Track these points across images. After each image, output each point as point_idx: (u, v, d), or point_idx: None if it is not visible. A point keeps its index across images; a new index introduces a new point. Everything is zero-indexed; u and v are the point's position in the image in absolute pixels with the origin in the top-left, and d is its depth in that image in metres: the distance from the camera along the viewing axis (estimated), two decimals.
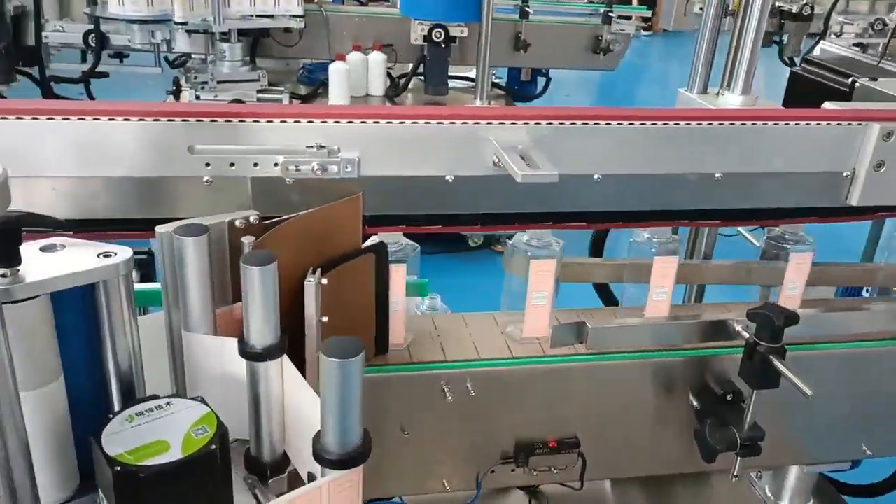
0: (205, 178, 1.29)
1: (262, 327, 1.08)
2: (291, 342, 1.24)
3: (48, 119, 1.20)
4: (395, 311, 1.45)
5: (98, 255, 1.00)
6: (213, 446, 0.99)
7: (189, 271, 1.11)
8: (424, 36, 4.07)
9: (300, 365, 1.25)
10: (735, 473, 1.51)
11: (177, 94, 4.01)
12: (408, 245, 1.46)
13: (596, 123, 1.40)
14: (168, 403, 1.07)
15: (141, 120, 1.25)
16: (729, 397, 1.55)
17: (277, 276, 1.06)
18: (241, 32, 3.99)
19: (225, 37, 3.93)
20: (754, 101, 1.61)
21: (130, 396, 1.11)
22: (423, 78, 4.27)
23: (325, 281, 1.23)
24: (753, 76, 1.61)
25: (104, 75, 4.29)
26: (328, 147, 1.31)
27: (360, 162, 1.33)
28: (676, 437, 1.62)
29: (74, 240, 1.02)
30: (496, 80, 4.91)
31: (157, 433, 1.01)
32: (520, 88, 4.88)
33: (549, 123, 1.39)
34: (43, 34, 4.04)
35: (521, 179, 1.24)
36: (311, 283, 1.20)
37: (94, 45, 4.00)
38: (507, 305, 1.64)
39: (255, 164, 1.30)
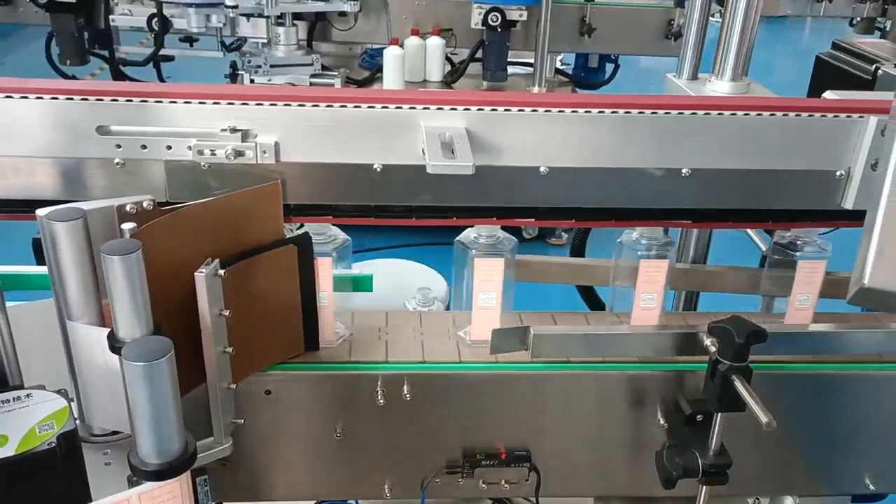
0: (116, 161, 1.24)
1: (130, 321, 1.02)
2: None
3: None
4: (322, 306, 1.37)
5: None
6: (51, 444, 0.94)
7: (64, 258, 1.06)
8: (483, 20, 3.96)
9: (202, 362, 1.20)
10: None
11: (233, 77, 4.05)
12: (339, 237, 1.37)
13: (546, 111, 1.28)
14: (28, 395, 1.03)
15: (53, 98, 1.21)
16: (699, 418, 1.40)
17: (143, 265, 1.00)
18: (297, 16, 3.98)
19: (280, 20, 3.93)
20: (746, 87, 1.44)
21: (4, 385, 1.08)
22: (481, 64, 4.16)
23: (222, 272, 1.16)
24: (747, 61, 1.44)
25: (170, 59, 4.38)
26: (243, 130, 1.24)
27: (278, 147, 1.25)
28: (644, 457, 1.47)
29: None
30: (561, 67, 4.74)
31: (2, 427, 0.97)
32: (586, 75, 4.69)
33: (493, 110, 1.27)
34: (111, 17, 4.15)
35: (431, 170, 1.14)
36: (201, 275, 1.13)
37: (156, 28, 4.07)
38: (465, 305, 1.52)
39: (169, 147, 1.24)
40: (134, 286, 1.00)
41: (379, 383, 1.38)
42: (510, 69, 4.18)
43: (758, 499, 1.75)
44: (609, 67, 4.69)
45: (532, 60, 4.25)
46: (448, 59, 4.28)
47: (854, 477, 1.53)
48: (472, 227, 1.40)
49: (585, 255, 1.84)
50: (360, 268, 2.12)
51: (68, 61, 4.27)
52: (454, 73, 4.26)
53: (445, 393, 1.42)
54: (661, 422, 1.43)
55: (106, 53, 4.30)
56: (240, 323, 1.23)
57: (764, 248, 1.74)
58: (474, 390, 1.42)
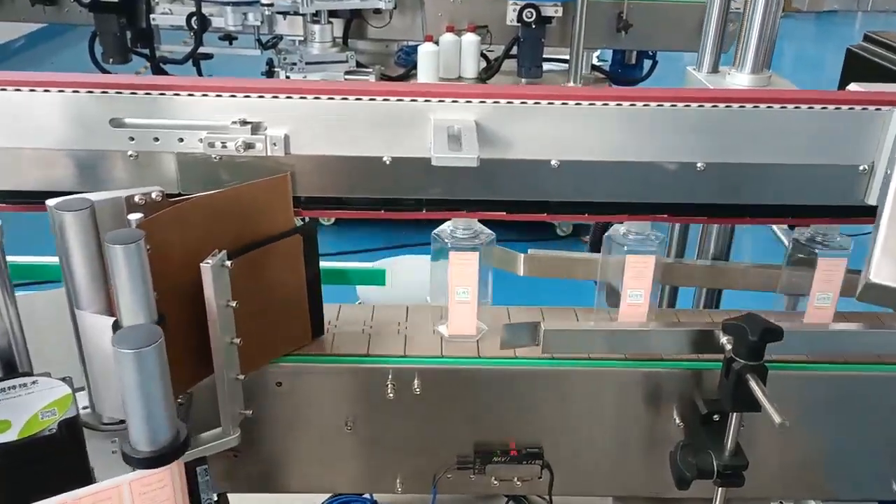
0: (129, 153, 1.26)
1: (133, 310, 1.03)
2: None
3: None
4: (466, 301, 1.37)
5: None
6: (52, 430, 0.95)
7: (72, 247, 1.08)
8: (518, 16, 3.94)
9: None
10: None
11: (269, 74, 4.08)
12: (484, 231, 1.36)
13: (558, 104, 1.26)
14: (34, 382, 1.04)
15: (60, 91, 1.23)
16: (715, 418, 1.37)
17: (145, 255, 1.01)
18: (333, 14, 3.99)
19: (315, 18, 3.95)
20: (767, 80, 1.40)
21: (12, 371, 1.10)
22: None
23: (228, 263, 1.17)
24: (768, 53, 1.40)
25: (208, 57, 4.43)
26: (253, 123, 1.24)
27: (288, 139, 1.26)
28: (661, 457, 1.44)
29: None
30: (598, 63, 4.68)
31: (6, 412, 0.98)
32: (623, 72, 4.62)
33: (503, 102, 1.26)
34: (152, 16, 4.21)
35: (436, 162, 1.13)
36: (207, 266, 1.14)
37: (195, 26, 4.12)
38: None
39: (181, 140, 1.25)
40: (136, 276, 1.00)
41: (390, 377, 1.37)
42: (546, 66, 4.15)
43: (781, 502, 1.71)
44: (647, 64, 4.63)
45: (567, 57, 4.20)
46: (483, 55, 4.26)
47: (880, 482, 1.48)
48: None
49: None
50: (393, 263, 2.12)
51: (111, 60, 4.35)
52: (489, 70, 4.23)
53: (457, 388, 1.41)
54: (678, 421, 1.40)
55: (148, 52, 4.38)
56: (248, 314, 1.24)
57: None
58: (487, 385, 1.41)
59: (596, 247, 1.75)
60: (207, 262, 1.14)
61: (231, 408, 1.25)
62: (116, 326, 1.04)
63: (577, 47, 3.96)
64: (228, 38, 4.60)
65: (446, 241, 1.35)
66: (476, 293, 1.35)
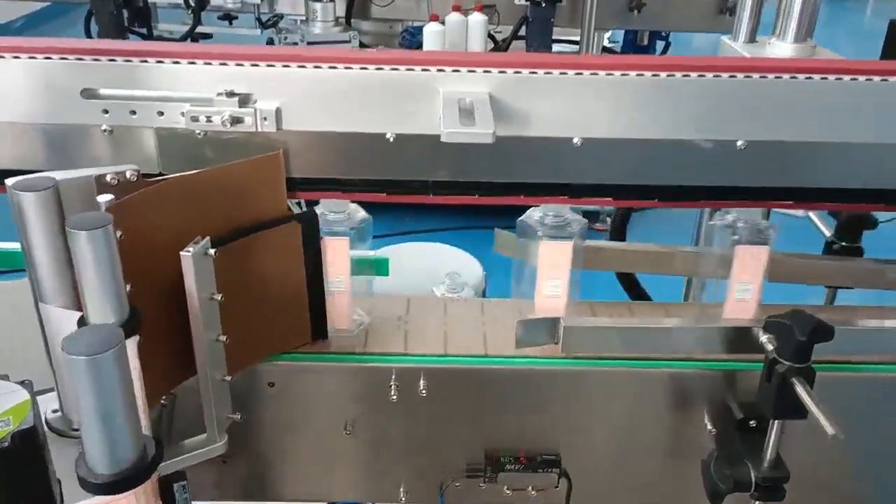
0: (103, 128, 1.13)
1: (101, 304, 0.90)
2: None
3: None
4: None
5: None
6: (5, 443, 0.83)
7: (33, 233, 0.95)
8: None
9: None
10: None
11: None
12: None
13: (581, 74, 1.13)
14: None
15: (33, 58, 1.10)
16: (752, 424, 1.24)
17: (114, 242, 0.89)
18: None
19: None
20: (811, 51, 1.27)
21: None
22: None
23: (212, 251, 1.04)
24: (812, 20, 1.26)
25: (207, 36, 4.31)
26: (241, 95, 1.11)
27: (280, 113, 1.12)
28: (690, 466, 1.32)
29: None
30: (609, 45, 4.54)
31: None
32: (635, 53, 4.48)
33: (523, 73, 1.12)
34: None
35: (445, 138, 1.00)
36: (188, 254, 1.01)
37: (193, 5, 3.99)
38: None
39: (160, 114, 1.12)
40: (104, 265, 0.88)
41: (393, 377, 1.25)
42: (555, 47, 4.00)
43: None
44: (660, 45, 4.49)
45: (578, 38, 4.06)
46: (491, 36, 4.12)
47: None
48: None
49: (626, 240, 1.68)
50: (393, 250, 1.99)
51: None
52: (496, 51, 4.09)
53: (466, 389, 1.28)
54: (709, 427, 1.28)
55: (145, 31, 4.25)
56: (236, 308, 1.11)
57: (828, 234, 1.56)
58: (498, 387, 1.28)
59: (617, 235, 1.62)
60: (188, 251, 1.01)
61: (217, 412, 1.13)
62: (82, 322, 0.91)
63: (588, 27, 3.82)
64: (228, 17, 4.48)
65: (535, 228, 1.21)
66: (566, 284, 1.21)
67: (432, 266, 2.30)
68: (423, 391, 1.24)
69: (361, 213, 1.25)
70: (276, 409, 1.27)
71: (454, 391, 1.28)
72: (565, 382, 1.28)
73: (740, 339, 1.21)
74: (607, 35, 4.69)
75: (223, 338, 1.09)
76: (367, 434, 1.30)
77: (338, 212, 1.23)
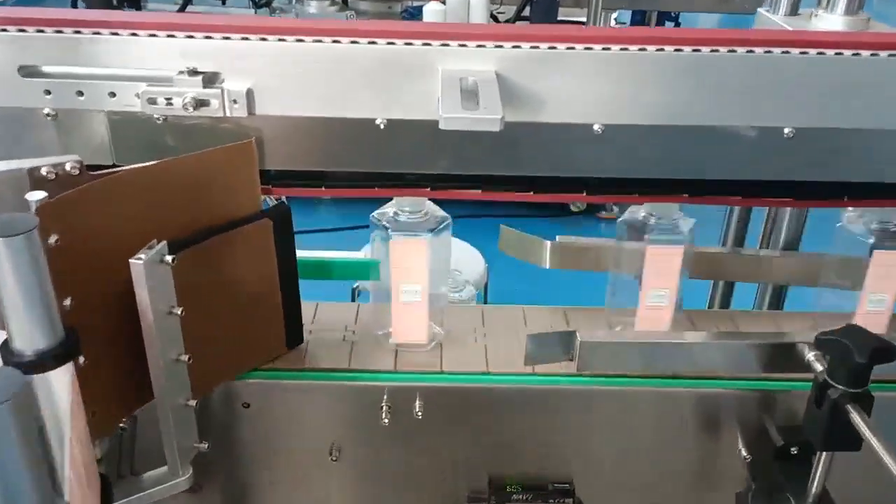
0: (45, 111, 0.97)
1: (27, 326, 0.75)
2: None
3: None
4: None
5: None
6: None
7: None
8: None
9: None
10: None
11: None
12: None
13: (604, 49, 0.96)
14: None
15: None
16: (793, 451, 1.09)
17: (41, 249, 0.73)
18: None
19: None
20: (865, 24, 1.10)
21: None
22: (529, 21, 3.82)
23: (170, 258, 0.88)
24: None
25: None
26: (206, 73, 0.95)
27: (252, 95, 0.97)
28: (722, 499, 1.17)
29: None
30: (616, 26, 4.36)
31: None
32: None
33: (534, 48, 0.96)
34: None
35: (444, 125, 0.84)
36: (139, 262, 0.85)
37: None
38: None
39: (112, 95, 0.96)
40: (28, 279, 0.72)
41: (385, 397, 1.09)
42: None
43: None
44: (669, 27, 4.31)
45: (584, 19, 3.90)
46: (493, 17, 3.95)
47: None
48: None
49: None
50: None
51: None
52: None
53: (467, 410, 1.13)
54: (744, 454, 1.13)
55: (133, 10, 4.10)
56: (201, 321, 0.96)
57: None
58: (503, 407, 1.13)
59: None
60: (139, 258, 0.85)
61: (180, 441, 0.97)
62: (5, 347, 0.76)
63: (595, 8, 3.65)
64: None
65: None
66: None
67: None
68: (419, 413, 1.09)
69: (440, 213, 1.09)
70: (252, 432, 1.12)
71: (453, 412, 1.13)
72: (579, 402, 1.13)
73: (781, 355, 1.06)
74: (614, 16, 4.51)
75: (185, 357, 0.94)
76: (356, 460, 1.15)
77: (414, 212, 1.08)
